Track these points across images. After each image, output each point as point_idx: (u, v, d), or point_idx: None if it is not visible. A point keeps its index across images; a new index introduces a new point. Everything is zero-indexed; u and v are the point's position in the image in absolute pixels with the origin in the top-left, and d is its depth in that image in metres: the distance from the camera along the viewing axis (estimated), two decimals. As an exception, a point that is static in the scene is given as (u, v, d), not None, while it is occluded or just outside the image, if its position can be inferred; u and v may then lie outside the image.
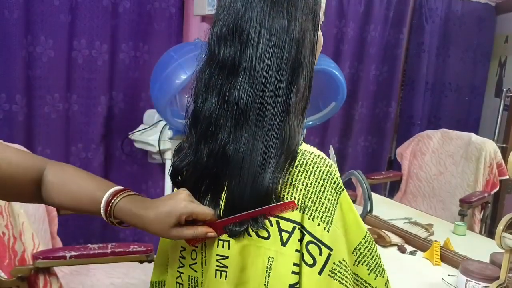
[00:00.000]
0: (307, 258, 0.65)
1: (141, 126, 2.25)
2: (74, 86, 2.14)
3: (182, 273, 0.76)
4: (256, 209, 0.66)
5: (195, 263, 0.74)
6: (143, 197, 0.72)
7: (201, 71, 0.72)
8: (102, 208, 0.70)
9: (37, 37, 2.01)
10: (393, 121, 2.34)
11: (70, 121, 2.17)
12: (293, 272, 0.64)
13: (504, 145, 1.86)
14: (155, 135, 2.15)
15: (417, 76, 2.26)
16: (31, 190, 0.75)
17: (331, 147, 1.73)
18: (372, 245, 0.70)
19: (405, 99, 2.33)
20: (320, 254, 0.65)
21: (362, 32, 2.33)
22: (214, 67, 0.69)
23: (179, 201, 0.67)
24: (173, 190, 0.85)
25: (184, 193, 0.68)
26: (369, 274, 0.69)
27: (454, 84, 2.18)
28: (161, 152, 2.17)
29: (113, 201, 0.69)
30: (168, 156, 2.19)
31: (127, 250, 1.55)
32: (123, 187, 0.72)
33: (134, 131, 2.24)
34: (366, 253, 0.69)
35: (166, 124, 2.11)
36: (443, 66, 2.20)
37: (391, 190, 2.23)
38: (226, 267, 0.68)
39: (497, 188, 1.83)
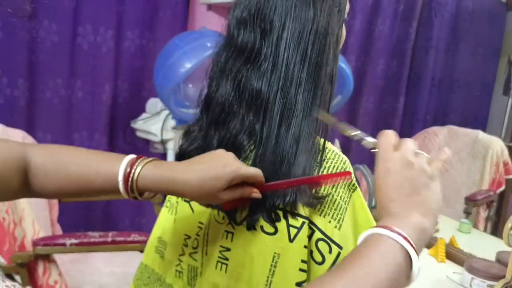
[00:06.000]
0: (316, 255, 0.63)
1: (144, 115, 2.22)
2: (78, 73, 2.12)
3: (182, 261, 0.74)
4: (308, 177, 0.62)
5: (196, 252, 0.72)
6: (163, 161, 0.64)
7: (218, 54, 0.69)
8: (120, 182, 0.60)
9: (41, 21, 1.98)
10: (401, 117, 2.31)
11: (73, 108, 2.15)
12: (300, 270, 0.62)
13: (511, 144, 1.85)
14: (157, 124, 2.13)
15: (423, 72, 2.23)
16: (15, 183, 0.62)
17: (336, 141, 1.71)
18: None
19: (410, 94, 2.30)
20: (330, 252, 0.63)
21: (370, 26, 2.30)
22: (231, 52, 0.67)
23: (228, 164, 0.59)
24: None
25: (230, 155, 0.62)
26: None
27: (462, 81, 2.16)
28: (163, 142, 2.15)
29: (133, 171, 0.60)
30: (171, 146, 2.17)
31: (128, 239, 1.54)
32: (136, 155, 0.62)
33: (136, 119, 2.22)
34: None
35: (169, 113, 2.09)
36: (452, 62, 2.17)
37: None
38: (227, 259, 0.67)
39: (503, 187, 1.81)
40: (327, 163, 0.65)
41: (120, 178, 0.60)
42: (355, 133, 0.62)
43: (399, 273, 0.46)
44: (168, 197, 0.81)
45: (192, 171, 0.60)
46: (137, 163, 0.60)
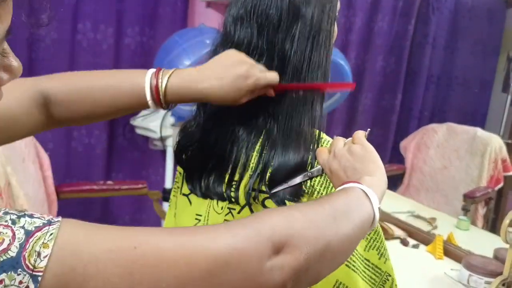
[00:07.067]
0: None
1: (143, 112, 2.22)
2: (79, 70, 2.11)
3: None
4: (313, 83, 0.68)
5: None
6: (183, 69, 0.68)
7: (215, 51, 0.71)
8: (148, 95, 0.64)
9: (41, 17, 1.98)
10: (398, 113, 2.31)
11: (72, 105, 2.15)
12: None
13: (510, 141, 1.84)
14: (156, 121, 2.13)
15: (421, 69, 2.23)
16: (38, 118, 0.66)
17: (335, 137, 1.71)
18: (379, 228, 0.70)
19: (408, 91, 2.30)
20: None
21: (370, 22, 2.30)
22: (228, 48, 0.69)
23: (249, 75, 0.64)
24: (174, 178, 0.84)
25: (250, 63, 0.65)
26: (379, 259, 0.69)
27: (461, 78, 2.15)
28: (162, 139, 2.15)
29: (160, 82, 0.64)
30: (170, 143, 2.17)
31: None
32: (155, 68, 0.66)
33: (135, 116, 2.22)
34: (376, 237, 0.69)
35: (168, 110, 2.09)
36: (451, 59, 2.17)
37: (394, 182, 2.21)
38: None
39: (501, 184, 1.81)
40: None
41: (148, 96, 0.64)
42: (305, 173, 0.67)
43: (360, 204, 0.54)
44: (172, 193, 0.83)
45: (216, 82, 0.64)
46: (160, 77, 0.64)
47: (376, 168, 0.60)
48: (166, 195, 2.10)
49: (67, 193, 1.87)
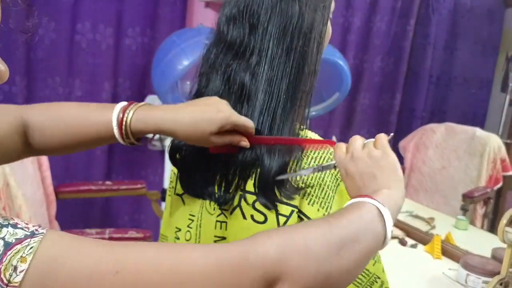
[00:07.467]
0: None
1: (142, 112, 2.22)
2: (78, 71, 2.11)
3: None
4: (293, 138, 0.66)
5: None
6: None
7: (208, 51, 0.71)
8: (115, 128, 0.62)
9: (39, 18, 1.98)
10: (398, 114, 2.31)
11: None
12: None
13: (509, 141, 1.84)
14: (156, 122, 2.13)
15: (420, 69, 2.23)
16: (17, 145, 0.65)
17: (333, 137, 1.71)
18: None
19: (407, 91, 2.30)
20: None
21: (369, 22, 2.30)
22: (221, 48, 0.69)
23: (221, 110, 0.62)
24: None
25: (224, 102, 0.64)
26: None
27: (460, 78, 2.15)
28: (161, 139, 2.15)
29: (126, 115, 0.62)
30: (168, 143, 2.17)
31: (125, 236, 1.55)
32: (127, 102, 0.65)
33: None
34: None
35: (167, 110, 2.09)
36: (450, 59, 2.17)
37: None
38: None
39: (500, 184, 1.81)
40: (314, 153, 0.67)
41: (114, 124, 0.62)
42: (315, 167, 0.66)
43: (372, 229, 0.51)
44: (167, 192, 0.83)
45: (186, 112, 0.62)
46: (129, 108, 0.63)
47: (396, 180, 0.57)
48: (165, 195, 2.10)
49: (65, 193, 1.87)
